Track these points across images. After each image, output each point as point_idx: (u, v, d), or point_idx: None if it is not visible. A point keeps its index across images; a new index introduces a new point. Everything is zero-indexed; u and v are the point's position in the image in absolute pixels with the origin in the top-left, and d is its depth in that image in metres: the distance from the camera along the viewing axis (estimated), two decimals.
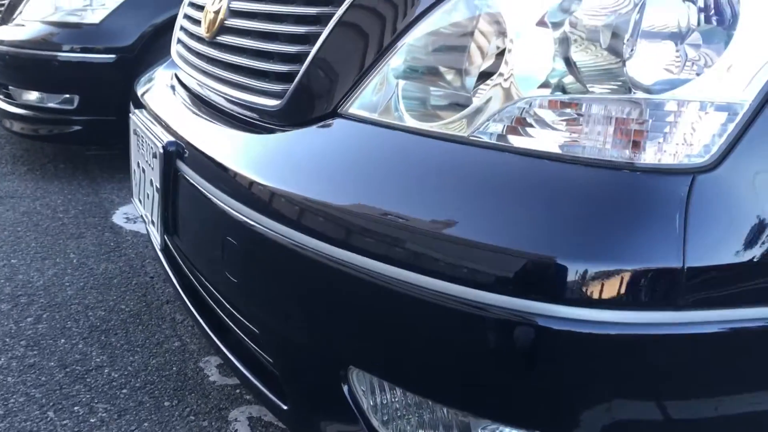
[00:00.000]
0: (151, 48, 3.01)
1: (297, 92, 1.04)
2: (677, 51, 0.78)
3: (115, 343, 1.79)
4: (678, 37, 0.78)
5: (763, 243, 0.72)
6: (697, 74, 0.76)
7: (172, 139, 1.24)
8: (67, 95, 3.00)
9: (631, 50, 0.78)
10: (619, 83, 0.79)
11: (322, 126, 0.99)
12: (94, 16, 2.95)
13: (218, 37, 1.32)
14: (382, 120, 0.93)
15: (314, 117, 1.02)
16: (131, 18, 3.00)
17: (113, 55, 2.97)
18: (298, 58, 1.06)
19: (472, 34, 0.88)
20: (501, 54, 0.85)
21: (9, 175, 3.14)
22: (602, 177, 0.74)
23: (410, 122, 0.91)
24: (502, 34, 0.85)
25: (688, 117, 0.73)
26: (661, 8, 0.79)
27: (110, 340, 1.80)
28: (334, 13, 1.01)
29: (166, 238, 1.29)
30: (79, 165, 3.37)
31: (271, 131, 1.09)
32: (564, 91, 0.80)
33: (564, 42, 0.81)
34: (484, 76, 0.87)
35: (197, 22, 1.50)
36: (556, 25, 0.81)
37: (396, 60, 0.93)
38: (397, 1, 0.95)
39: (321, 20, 1.04)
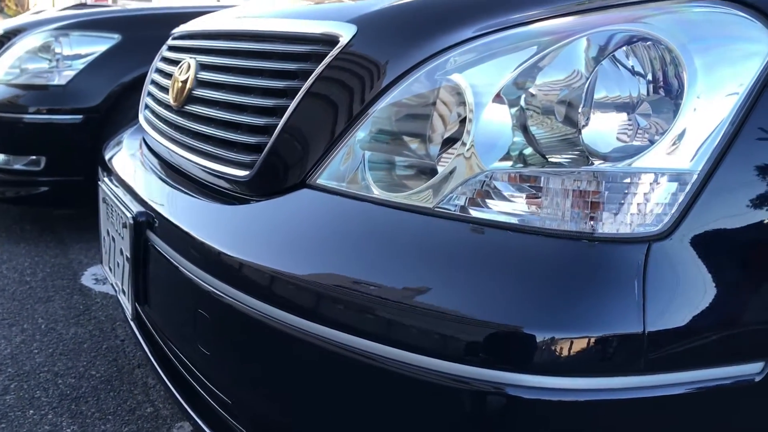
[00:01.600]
0: (120, 107, 3.03)
1: (266, 163, 1.06)
2: (629, 120, 0.82)
3: (86, 411, 1.76)
4: (629, 107, 0.82)
5: (717, 306, 0.75)
6: (650, 142, 0.79)
7: (142, 209, 1.25)
8: (34, 157, 2.99)
9: (586, 120, 0.82)
10: (577, 152, 0.82)
11: (291, 197, 1.01)
12: (60, 78, 2.96)
13: (186, 107, 1.34)
14: (349, 191, 0.96)
15: (283, 188, 1.04)
16: (98, 78, 3.01)
17: (80, 116, 2.98)
18: (266, 130, 1.08)
19: (434, 104, 0.92)
20: (463, 122, 0.88)
21: None
22: (563, 247, 0.76)
23: (377, 192, 0.93)
24: (463, 105, 0.88)
25: (641, 187, 0.76)
26: (612, 81, 0.83)
27: (81, 408, 1.77)
28: (300, 87, 1.04)
29: (137, 307, 1.29)
30: (46, 226, 3.34)
31: (240, 201, 1.10)
32: (525, 162, 0.84)
33: (521, 116, 0.85)
34: (448, 144, 0.90)
35: (165, 90, 1.53)
36: (513, 101, 0.85)
37: (362, 131, 0.96)
38: (363, 74, 0.99)
39: (288, 93, 1.07)
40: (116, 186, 1.43)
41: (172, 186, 1.29)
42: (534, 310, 0.74)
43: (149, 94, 1.77)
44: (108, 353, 2.08)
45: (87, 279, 2.71)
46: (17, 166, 3.01)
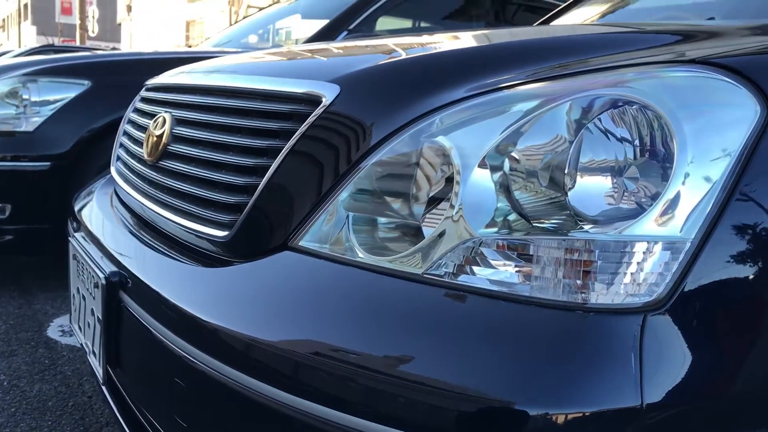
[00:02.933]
0: (89, 154, 2.98)
1: (245, 224, 1.03)
2: (617, 184, 0.81)
3: None
4: (616, 171, 0.81)
5: (717, 375, 0.73)
6: (639, 206, 0.78)
7: (114, 269, 1.21)
8: None
9: (573, 183, 0.81)
10: (565, 216, 0.81)
11: (271, 260, 0.98)
12: (27, 125, 2.91)
13: (161, 162, 1.31)
14: (333, 254, 0.93)
15: (264, 249, 1.01)
16: (67, 125, 2.96)
17: (48, 163, 2.92)
18: (245, 190, 1.05)
19: (420, 167, 0.90)
20: (449, 185, 0.87)
21: None
22: (555, 318, 0.75)
23: (362, 255, 0.91)
24: (449, 168, 0.87)
25: (635, 256, 0.75)
26: (598, 144, 0.82)
27: None
28: (281, 147, 1.02)
29: (109, 371, 1.23)
30: (9, 273, 3.25)
31: (218, 263, 1.07)
32: (513, 227, 0.82)
33: (507, 180, 0.83)
34: (434, 207, 0.88)
35: (139, 143, 1.50)
36: (499, 165, 0.84)
37: (346, 192, 0.94)
38: (347, 135, 0.97)
39: (268, 152, 1.04)
40: (87, 242, 1.39)
41: (145, 243, 1.25)
42: (526, 385, 0.71)
43: (122, 145, 1.73)
44: (74, 411, 2.00)
45: (53, 331, 2.62)
46: None
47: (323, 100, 1.00)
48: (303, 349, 0.85)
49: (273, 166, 1.01)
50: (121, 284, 1.19)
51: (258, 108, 1.10)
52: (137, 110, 1.67)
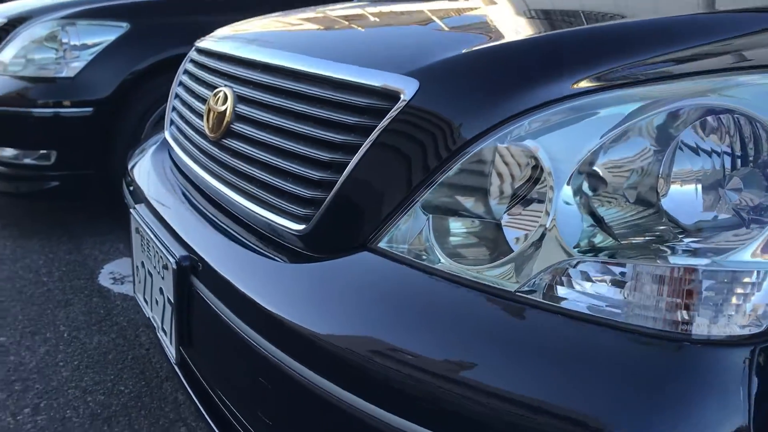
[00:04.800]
0: (131, 98, 2.97)
1: (323, 220, 1.02)
2: (717, 194, 0.77)
3: None
4: (718, 182, 0.78)
5: None
6: (745, 225, 0.75)
7: (184, 253, 1.21)
8: (44, 151, 2.93)
9: (666, 190, 0.78)
10: (661, 230, 0.78)
11: (351, 260, 0.97)
12: (68, 71, 2.88)
13: (225, 140, 1.29)
14: (415, 260, 0.92)
15: (341, 247, 1.00)
16: (108, 69, 2.94)
17: (90, 108, 2.91)
18: (321, 184, 1.03)
19: (510, 173, 0.87)
20: (542, 195, 0.84)
21: None
22: (659, 348, 0.73)
23: (444, 261, 0.89)
24: (542, 176, 0.84)
25: (742, 285, 0.73)
26: (698, 154, 0.79)
27: (113, 430, 1.75)
28: (358, 143, 0.99)
29: (182, 351, 1.25)
30: (57, 218, 3.30)
31: (292, 254, 1.06)
32: (606, 245, 0.80)
33: (600, 193, 0.80)
34: (524, 218, 0.86)
35: (197, 113, 1.47)
36: (590, 177, 0.80)
37: (428, 195, 0.92)
38: (430, 135, 0.94)
39: (344, 148, 1.02)
40: (151, 218, 1.38)
41: (215, 226, 1.25)
42: (628, 419, 0.71)
43: (174, 109, 1.71)
44: (134, 365, 2.06)
45: (104, 278, 2.67)
46: (28, 161, 2.95)
47: (401, 96, 0.96)
48: (378, 357, 0.85)
49: (351, 163, 0.98)
50: (192, 269, 1.19)
51: (330, 97, 1.07)
52: (190, 74, 1.63)
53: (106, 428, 1.76)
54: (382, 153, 0.97)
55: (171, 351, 1.27)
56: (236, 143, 1.26)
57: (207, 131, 1.34)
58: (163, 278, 1.28)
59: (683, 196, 0.79)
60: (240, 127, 1.25)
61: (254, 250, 1.13)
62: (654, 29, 1.02)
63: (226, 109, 1.29)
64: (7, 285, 2.56)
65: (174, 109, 1.73)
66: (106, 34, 2.96)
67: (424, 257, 0.92)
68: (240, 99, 1.28)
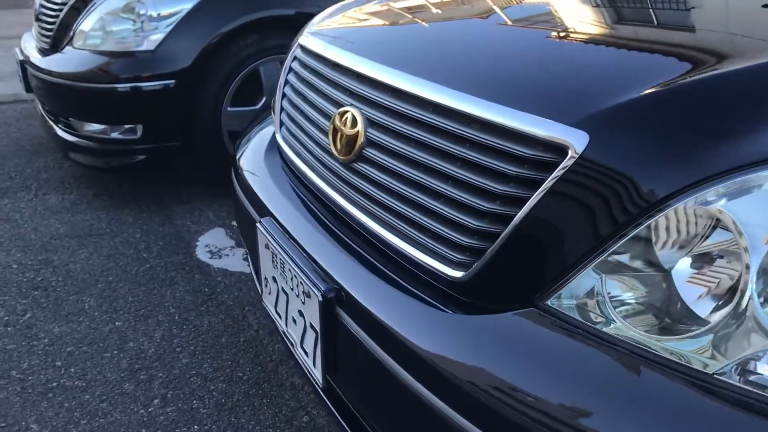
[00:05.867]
0: (212, 66, 2.96)
1: (484, 271, 1.01)
2: None
3: (245, 424, 1.82)
4: None
5: None
6: None
7: (329, 285, 1.22)
8: (131, 125, 2.96)
9: None
10: None
11: (516, 317, 0.97)
12: (148, 44, 2.88)
13: (357, 164, 1.28)
14: (590, 324, 0.91)
15: (503, 300, 0.99)
16: (187, 39, 2.92)
17: (172, 80, 2.91)
18: (477, 233, 1.02)
19: (699, 239, 0.84)
20: (733, 269, 0.81)
21: (79, 205, 3.14)
22: None
23: (621, 326, 0.88)
24: (738, 247, 0.81)
25: None
26: None
27: (240, 420, 1.83)
28: (518, 195, 0.97)
29: (328, 378, 1.29)
30: (144, 186, 3.36)
31: (447, 300, 1.07)
32: None
33: None
34: (716, 291, 0.83)
35: (317, 126, 1.46)
36: None
37: (608, 254, 0.90)
38: (612, 189, 0.89)
39: (500, 198, 0.99)
40: (284, 240, 1.39)
41: (352, 252, 1.25)
42: None
43: (284, 111, 1.70)
44: (248, 348, 2.13)
45: (201, 252, 2.74)
46: (115, 135, 2.99)
47: (569, 151, 0.93)
48: (542, 427, 0.85)
49: (517, 217, 0.96)
50: (338, 300, 1.21)
51: (481, 140, 1.04)
52: (300, 78, 1.61)
53: (234, 419, 1.84)
54: (551, 208, 0.94)
55: (317, 376, 1.30)
56: (370, 170, 1.24)
57: (335, 152, 1.33)
58: (303, 303, 1.31)
59: None
60: (373, 154, 1.23)
61: (403, 289, 1.13)
62: None
63: (357, 133, 1.27)
64: (110, 263, 2.64)
65: (283, 110, 1.71)
66: (182, 3, 2.92)
67: (597, 320, 0.91)
68: (371, 123, 1.26)
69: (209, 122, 3.03)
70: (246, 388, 1.95)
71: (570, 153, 0.93)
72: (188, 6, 2.91)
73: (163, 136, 3.01)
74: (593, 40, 1.22)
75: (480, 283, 1.02)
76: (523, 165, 0.98)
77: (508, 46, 1.25)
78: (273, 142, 1.79)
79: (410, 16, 1.57)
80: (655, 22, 1.28)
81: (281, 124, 1.71)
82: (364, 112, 1.28)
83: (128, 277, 2.55)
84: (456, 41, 1.33)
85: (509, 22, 1.40)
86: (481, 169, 1.03)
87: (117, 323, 2.26)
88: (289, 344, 1.46)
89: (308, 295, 1.27)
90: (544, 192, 0.94)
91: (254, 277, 1.80)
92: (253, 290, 2.45)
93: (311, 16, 3.14)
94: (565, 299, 0.95)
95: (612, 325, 0.90)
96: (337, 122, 1.33)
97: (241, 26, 2.96)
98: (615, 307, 0.91)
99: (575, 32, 1.27)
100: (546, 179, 0.95)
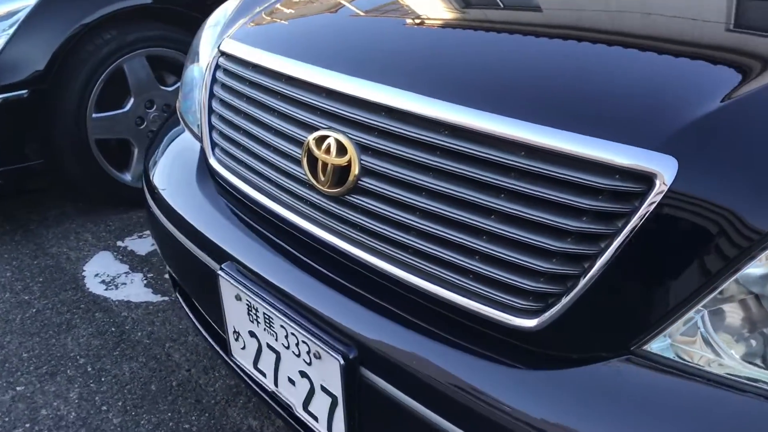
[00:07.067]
0: (67, 70, 2.57)
1: (564, 319, 0.89)
2: None
3: None
4: None
5: None
6: None
7: (349, 345, 1.06)
8: None
9: None
10: None
11: (612, 368, 0.87)
12: None
13: (351, 197, 1.11)
14: (701, 368, 0.83)
15: (590, 349, 0.89)
16: (37, 39, 2.53)
17: (24, 91, 2.51)
18: (544, 275, 0.90)
19: None
20: None
21: None
22: None
23: (741, 369, 0.81)
24: None
25: None
26: None
27: None
28: (592, 231, 0.85)
29: None
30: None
31: (514, 353, 0.95)
32: None
33: None
34: None
35: (280, 153, 1.25)
36: None
37: (716, 293, 0.81)
38: (715, 222, 0.79)
39: (572, 235, 0.88)
40: (265, 292, 1.19)
41: (371, 305, 1.09)
42: None
43: (218, 131, 1.46)
44: (185, 393, 1.90)
45: (93, 284, 2.42)
46: None
47: (656, 180, 0.82)
48: None
49: (601, 260, 0.85)
50: (361, 361, 1.05)
51: (535, 170, 0.91)
52: (234, 92, 1.38)
53: None
54: (644, 245, 0.83)
55: None
56: (371, 203, 1.07)
57: (317, 184, 1.14)
58: (309, 364, 1.13)
59: None
60: (373, 185, 1.06)
61: (449, 343, 1.00)
62: None
63: (349, 162, 1.09)
64: None
65: (214, 128, 1.48)
66: None
67: (706, 361, 0.83)
68: (364, 149, 1.09)
69: (74, 133, 2.65)
70: None
71: (658, 184, 0.82)
72: (31, 2, 2.50)
73: (18, 158, 2.60)
74: (650, 40, 1.11)
75: (557, 332, 0.90)
76: (597, 197, 0.86)
77: (538, 48, 1.10)
78: (203, 164, 1.55)
79: (373, 8, 1.38)
80: (724, 17, 1.16)
81: (213, 144, 1.48)
82: (353, 137, 1.10)
83: (13, 328, 2.19)
84: (458, 42, 1.17)
85: (532, 18, 1.26)
86: (541, 203, 0.90)
87: (18, 388, 1.93)
88: (273, 402, 1.28)
89: (318, 356, 1.10)
90: (635, 228, 0.83)
91: (196, 322, 1.58)
92: (168, 322, 2.18)
93: (172, 3, 2.83)
94: (665, 342, 0.85)
95: (725, 365, 0.82)
96: (314, 149, 1.14)
97: (98, 20, 2.59)
98: (727, 345, 0.83)
99: (623, 33, 1.14)
100: (630, 212, 0.84)
